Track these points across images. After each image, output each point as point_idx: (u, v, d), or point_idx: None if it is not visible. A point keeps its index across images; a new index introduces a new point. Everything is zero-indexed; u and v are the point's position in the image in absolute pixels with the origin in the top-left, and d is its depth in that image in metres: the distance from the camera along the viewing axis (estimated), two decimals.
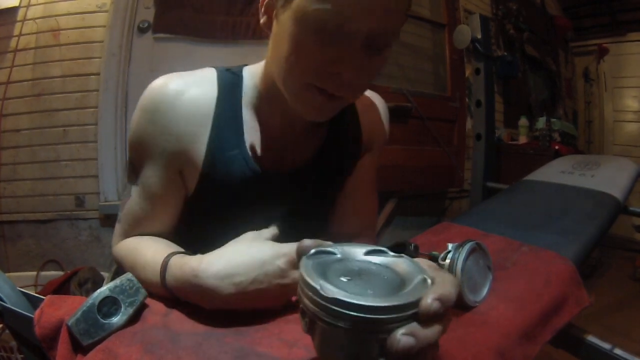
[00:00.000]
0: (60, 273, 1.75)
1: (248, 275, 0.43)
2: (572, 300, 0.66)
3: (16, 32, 1.73)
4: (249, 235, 0.48)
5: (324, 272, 0.30)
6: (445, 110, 2.51)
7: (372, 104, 0.70)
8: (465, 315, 0.53)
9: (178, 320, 0.46)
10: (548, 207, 1.09)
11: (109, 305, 0.43)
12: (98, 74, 1.79)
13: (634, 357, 0.73)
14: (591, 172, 1.24)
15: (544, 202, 1.14)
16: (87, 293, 1.49)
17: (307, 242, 0.36)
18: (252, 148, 0.58)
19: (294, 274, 0.43)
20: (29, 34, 1.75)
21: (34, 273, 1.80)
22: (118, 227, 0.61)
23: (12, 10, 1.73)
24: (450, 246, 0.57)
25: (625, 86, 3.57)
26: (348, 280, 0.30)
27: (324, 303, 0.27)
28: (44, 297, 0.48)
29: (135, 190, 0.59)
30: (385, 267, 0.33)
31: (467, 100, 2.61)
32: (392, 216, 2.39)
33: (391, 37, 0.46)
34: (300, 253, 0.34)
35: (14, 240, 1.82)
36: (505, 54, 2.91)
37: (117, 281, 0.45)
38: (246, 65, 0.62)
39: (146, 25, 1.86)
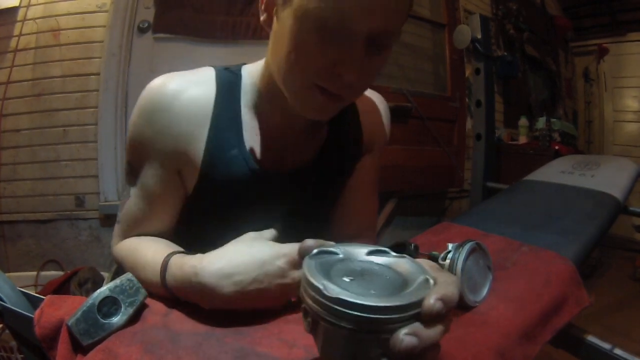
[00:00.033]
0: (60, 273, 1.75)
1: (248, 274, 0.43)
2: (572, 300, 0.66)
3: (16, 32, 1.73)
4: (250, 235, 0.48)
5: (326, 272, 0.30)
6: (445, 110, 2.51)
7: (373, 105, 0.70)
8: (465, 315, 0.53)
9: (178, 320, 0.46)
10: (548, 207, 1.09)
11: (109, 305, 0.43)
12: (98, 74, 1.79)
13: (634, 357, 0.73)
14: (591, 172, 1.24)
15: (544, 202, 1.14)
16: (87, 293, 1.49)
17: (309, 242, 0.36)
18: (252, 148, 0.58)
19: (294, 274, 0.43)
20: (29, 34, 1.75)
21: (34, 273, 1.80)
22: (117, 228, 0.61)
23: (12, 10, 1.73)
24: (450, 246, 0.57)
25: (625, 86, 3.57)
26: (351, 280, 0.30)
27: (327, 303, 0.27)
28: (44, 297, 0.48)
29: (133, 191, 0.58)
30: (388, 267, 0.33)
31: (467, 100, 2.62)
32: (392, 216, 2.39)
33: (392, 37, 0.46)
34: (303, 253, 0.34)
35: (14, 240, 1.82)
36: (505, 54, 2.91)
37: (117, 281, 0.45)
38: (245, 64, 0.62)
39: (146, 25, 1.86)
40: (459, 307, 0.54)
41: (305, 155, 0.63)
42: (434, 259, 0.59)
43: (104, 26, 1.78)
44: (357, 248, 0.35)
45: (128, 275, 0.46)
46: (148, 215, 0.59)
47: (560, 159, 1.47)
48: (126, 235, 0.60)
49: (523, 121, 2.78)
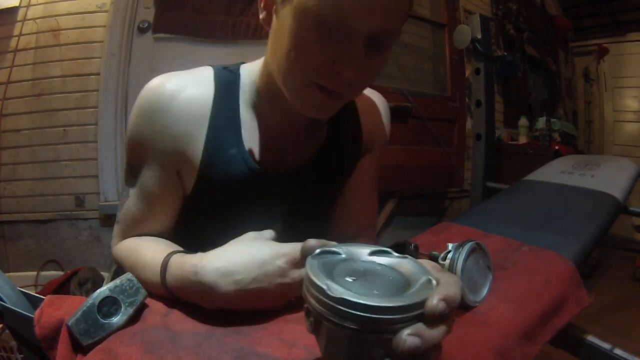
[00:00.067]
0: (60, 273, 1.75)
1: (248, 274, 0.43)
2: (572, 300, 0.66)
3: (16, 32, 1.73)
4: (250, 235, 0.48)
5: (329, 272, 0.30)
6: (445, 110, 2.51)
7: (373, 105, 0.70)
8: (465, 315, 0.53)
9: (178, 320, 0.46)
10: (548, 207, 1.09)
11: (109, 305, 0.43)
12: (98, 74, 1.79)
13: (634, 357, 0.73)
14: (591, 172, 1.24)
15: (544, 202, 1.14)
16: (87, 293, 1.49)
17: (312, 242, 0.36)
18: (251, 147, 0.58)
19: (294, 274, 0.43)
20: (29, 34, 1.75)
21: (34, 273, 1.80)
22: (117, 228, 0.61)
23: (12, 10, 1.73)
24: (450, 246, 0.57)
25: (625, 86, 3.57)
26: (353, 280, 0.30)
27: (330, 303, 0.27)
28: (44, 297, 0.48)
29: (133, 191, 0.58)
30: (390, 267, 0.33)
31: (467, 100, 2.62)
32: (392, 216, 2.39)
33: (392, 36, 0.46)
34: (305, 253, 0.34)
35: (14, 240, 1.82)
36: (505, 54, 2.91)
37: (117, 281, 0.45)
38: (243, 63, 0.62)
39: (146, 25, 1.86)
40: (459, 307, 0.54)
41: (305, 155, 0.63)
42: (434, 259, 0.59)
43: (104, 26, 1.78)
44: (359, 248, 0.35)
45: (128, 275, 0.46)
46: (147, 216, 0.59)
47: (560, 159, 1.47)
48: (125, 235, 0.60)
49: (523, 121, 2.78)
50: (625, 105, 3.58)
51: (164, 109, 0.54)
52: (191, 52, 1.89)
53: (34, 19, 1.74)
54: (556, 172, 1.31)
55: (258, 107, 0.59)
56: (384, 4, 0.43)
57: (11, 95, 1.75)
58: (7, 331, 1.04)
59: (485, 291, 0.58)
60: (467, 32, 2.00)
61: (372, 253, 0.34)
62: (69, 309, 0.44)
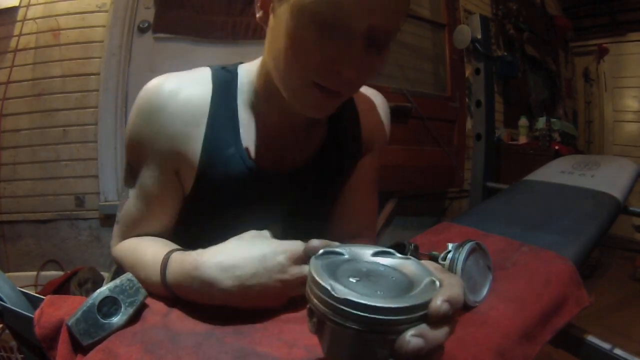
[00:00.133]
0: (60, 273, 1.75)
1: (248, 268, 0.43)
2: (572, 300, 0.66)
3: (16, 32, 1.73)
4: (251, 233, 0.48)
5: (333, 273, 0.30)
6: (445, 110, 2.51)
7: (373, 104, 0.70)
8: (465, 315, 0.53)
9: (178, 320, 0.46)
10: (548, 207, 1.09)
11: (109, 305, 0.43)
12: (98, 74, 1.79)
13: (634, 357, 0.73)
14: (591, 172, 1.24)
15: (544, 202, 1.14)
16: (87, 293, 1.49)
17: (315, 242, 0.36)
18: (250, 146, 0.58)
19: (294, 270, 0.43)
20: (29, 34, 1.75)
21: (34, 273, 1.80)
22: (116, 229, 0.61)
23: (12, 10, 1.73)
24: (450, 246, 0.57)
25: (625, 86, 3.57)
26: (357, 281, 0.30)
27: (334, 304, 0.27)
28: (44, 297, 0.48)
29: (132, 192, 0.59)
30: (393, 268, 0.33)
31: (467, 100, 2.62)
32: (392, 216, 2.39)
33: (392, 35, 0.46)
34: (309, 253, 0.34)
35: (14, 240, 1.82)
36: (505, 54, 2.91)
37: (117, 281, 0.45)
38: (242, 63, 0.62)
39: (146, 25, 1.86)
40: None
41: (304, 154, 0.63)
42: (434, 259, 0.59)
43: (104, 26, 1.78)
44: (362, 249, 0.35)
45: (128, 275, 0.46)
46: (147, 216, 0.59)
47: (560, 159, 1.47)
48: (125, 236, 0.60)
49: (523, 121, 2.78)
50: (625, 105, 3.58)
51: (162, 109, 0.54)
52: (191, 52, 1.89)
53: (34, 18, 1.74)
54: (556, 172, 1.31)
55: (256, 107, 0.59)
56: (384, 3, 0.43)
57: (11, 95, 1.75)
58: (7, 331, 1.04)
59: (485, 291, 0.58)
60: (467, 32, 2.00)
61: (375, 254, 0.34)
62: (69, 309, 0.44)
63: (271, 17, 0.49)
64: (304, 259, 0.43)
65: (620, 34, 3.50)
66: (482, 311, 0.55)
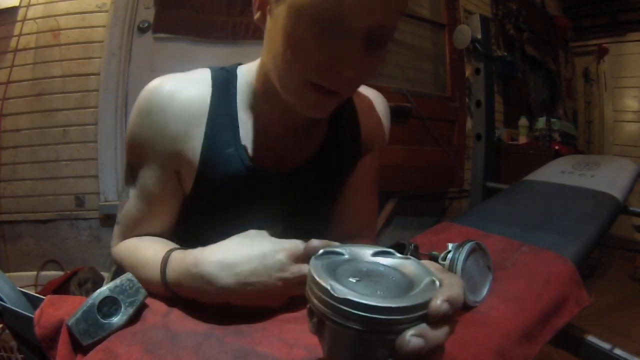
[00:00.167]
0: (60, 273, 1.75)
1: (248, 266, 0.43)
2: (572, 300, 0.66)
3: (16, 32, 1.73)
4: (251, 231, 0.49)
5: (333, 273, 0.30)
6: (445, 110, 2.51)
7: (372, 104, 0.70)
8: (465, 315, 0.53)
9: (178, 320, 0.46)
10: (548, 207, 1.09)
11: (109, 305, 0.43)
12: (98, 74, 1.79)
13: (634, 357, 0.73)
14: (591, 172, 1.24)
15: (544, 202, 1.14)
16: (87, 293, 1.49)
17: (315, 242, 0.36)
18: (249, 146, 0.58)
19: (294, 269, 0.43)
20: (29, 34, 1.75)
21: (34, 273, 1.80)
22: (117, 229, 0.61)
23: (12, 10, 1.73)
24: (450, 246, 0.57)
25: (625, 86, 3.57)
26: (357, 281, 0.30)
27: (334, 304, 0.27)
28: (44, 297, 0.48)
29: (132, 192, 0.59)
30: (393, 268, 0.33)
31: (467, 100, 2.62)
32: (392, 216, 2.39)
33: (391, 32, 0.46)
34: (309, 253, 0.34)
35: (14, 240, 1.82)
36: (505, 54, 2.91)
37: (117, 281, 0.45)
38: (241, 63, 0.62)
39: (146, 25, 1.86)
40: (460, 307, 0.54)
41: (304, 154, 0.63)
42: (434, 259, 0.59)
43: (104, 26, 1.78)
44: (362, 249, 0.35)
45: (128, 275, 0.46)
46: (147, 216, 0.59)
47: (560, 159, 1.47)
48: (125, 236, 0.60)
49: (523, 121, 2.78)
50: (625, 105, 3.58)
51: (162, 110, 0.54)
52: (191, 52, 1.89)
53: (34, 18, 1.74)
54: (556, 172, 1.31)
55: (255, 107, 0.59)
56: (384, 2, 0.43)
57: (11, 95, 1.75)
58: (7, 331, 1.04)
59: (485, 291, 0.58)
60: (467, 32, 2.00)
61: (375, 254, 0.35)
62: (69, 309, 0.44)
63: (268, 17, 0.49)
64: (304, 257, 0.43)
65: (620, 34, 3.50)
66: (482, 311, 0.55)
